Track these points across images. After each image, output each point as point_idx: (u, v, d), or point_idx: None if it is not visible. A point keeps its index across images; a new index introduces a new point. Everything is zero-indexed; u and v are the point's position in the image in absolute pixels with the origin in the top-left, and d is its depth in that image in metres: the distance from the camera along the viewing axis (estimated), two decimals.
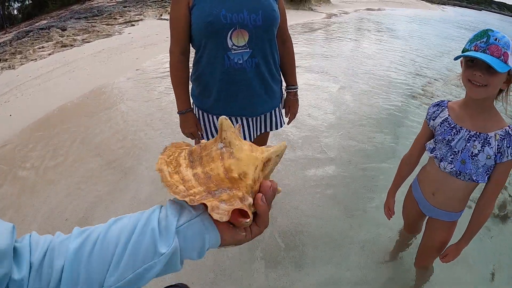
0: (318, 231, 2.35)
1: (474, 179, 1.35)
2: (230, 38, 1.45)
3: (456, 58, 1.28)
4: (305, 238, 2.28)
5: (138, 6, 11.17)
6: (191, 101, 1.75)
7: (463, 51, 1.24)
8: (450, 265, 1.67)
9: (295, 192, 2.69)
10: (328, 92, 4.89)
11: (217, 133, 1.68)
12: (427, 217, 1.71)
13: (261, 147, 0.51)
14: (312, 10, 13.20)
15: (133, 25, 8.80)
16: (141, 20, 9.37)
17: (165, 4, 11.34)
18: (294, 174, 2.91)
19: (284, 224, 2.36)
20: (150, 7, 10.96)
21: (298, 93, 1.94)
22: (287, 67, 1.83)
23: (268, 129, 1.85)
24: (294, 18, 10.42)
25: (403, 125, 4.11)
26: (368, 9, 17.36)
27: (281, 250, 2.17)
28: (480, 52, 1.16)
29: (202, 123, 1.75)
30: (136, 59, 5.76)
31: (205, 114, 1.72)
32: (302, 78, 5.04)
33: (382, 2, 21.74)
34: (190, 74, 1.70)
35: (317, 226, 2.39)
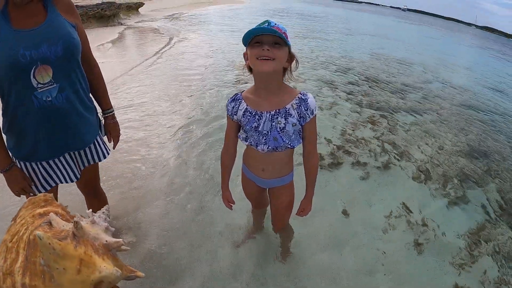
0: (177, 234, 2.36)
1: (291, 146, 1.52)
2: (34, 76, 1.36)
3: (246, 38, 1.36)
4: (167, 245, 2.26)
5: None
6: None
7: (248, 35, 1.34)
8: (306, 217, 1.85)
9: (146, 201, 2.67)
10: (145, 98, 5.00)
11: (48, 183, 1.62)
12: (267, 189, 1.85)
13: (96, 260, 0.49)
14: (121, 24, 12.91)
15: None
16: None
17: None
18: (137, 183, 2.89)
19: (144, 240, 2.29)
20: None
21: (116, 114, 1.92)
22: (99, 92, 1.80)
23: (91, 162, 1.78)
24: (104, 36, 10.00)
25: (223, 119, 4.37)
26: (178, 13, 17.96)
27: (152, 268, 2.10)
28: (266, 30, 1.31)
29: (27, 175, 1.59)
30: None
31: (27, 164, 1.57)
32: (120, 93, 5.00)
33: (192, 4, 22.80)
34: (1, 126, 1.54)
35: (169, 236, 2.36)
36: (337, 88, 6.16)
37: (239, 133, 1.62)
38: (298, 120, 1.47)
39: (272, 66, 1.34)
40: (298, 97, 1.46)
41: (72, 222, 0.57)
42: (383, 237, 2.58)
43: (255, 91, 1.51)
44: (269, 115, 1.47)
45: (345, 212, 2.78)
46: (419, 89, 7.36)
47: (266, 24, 1.33)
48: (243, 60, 1.48)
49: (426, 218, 2.87)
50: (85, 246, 0.50)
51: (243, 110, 1.53)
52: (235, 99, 1.57)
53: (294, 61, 1.45)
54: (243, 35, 1.35)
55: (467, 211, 3.15)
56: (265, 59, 1.33)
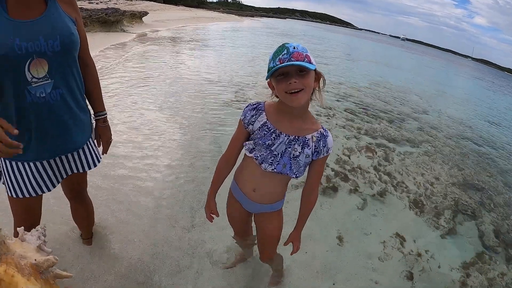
0: (161, 255, 2.23)
1: (295, 176, 1.43)
2: (29, 70, 1.30)
3: (268, 77, 1.30)
4: (147, 265, 2.13)
5: None
6: None
7: (269, 70, 1.27)
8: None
9: (128, 221, 2.48)
10: (146, 106, 4.95)
11: (34, 190, 1.51)
12: (253, 215, 1.73)
13: (18, 280, 0.47)
14: (124, 31, 12.99)
15: None
16: None
17: None
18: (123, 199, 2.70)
19: (121, 257, 2.16)
20: None
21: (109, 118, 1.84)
22: (93, 93, 1.71)
23: (80, 169, 1.68)
24: (108, 40, 10.04)
25: (223, 133, 4.32)
26: (182, 26, 18.15)
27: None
28: (287, 62, 1.22)
29: (11, 175, 1.50)
30: None
31: (13, 164, 1.48)
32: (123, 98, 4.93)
33: (194, 18, 23.10)
34: None
35: (157, 252, 2.25)
36: (335, 115, 6.19)
37: (247, 142, 1.48)
38: (313, 153, 1.41)
39: (303, 98, 1.27)
40: (320, 131, 1.41)
41: None
42: (377, 267, 2.53)
43: (279, 109, 1.41)
44: (287, 138, 1.39)
45: (339, 240, 2.73)
46: (416, 119, 7.44)
47: (285, 51, 1.23)
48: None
49: (420, 249, 2.85)
50: (7, 264, 0.46)
51: (261, 123, 1.42)
52: (256, 108, 1.45)
53: (321, 79, 1.37)
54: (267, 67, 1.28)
55: (461, 243, 3.14)
56: (294, 92, 1.25)
